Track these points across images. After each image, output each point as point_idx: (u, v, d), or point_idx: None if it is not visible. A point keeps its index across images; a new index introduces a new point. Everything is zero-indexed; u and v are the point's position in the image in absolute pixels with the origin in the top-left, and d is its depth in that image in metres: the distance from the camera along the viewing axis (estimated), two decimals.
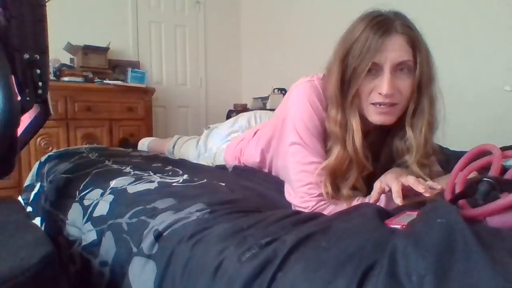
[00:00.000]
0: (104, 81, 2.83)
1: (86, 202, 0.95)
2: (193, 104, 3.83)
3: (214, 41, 3.91)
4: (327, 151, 0.87)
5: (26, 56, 0.84)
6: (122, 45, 3.27)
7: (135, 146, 2.12)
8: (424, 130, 0.84)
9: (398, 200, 0.70)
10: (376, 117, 0.82)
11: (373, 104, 0.81)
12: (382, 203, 0.79)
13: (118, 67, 3.09)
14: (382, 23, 0.77)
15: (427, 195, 0.68)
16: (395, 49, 0.77)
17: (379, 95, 0.79)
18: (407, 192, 0.73)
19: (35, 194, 1.30)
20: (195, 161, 1.46)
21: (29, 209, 1.29)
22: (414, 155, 0.84)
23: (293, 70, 3.25)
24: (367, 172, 0.86)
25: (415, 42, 0.79)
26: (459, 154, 0.82)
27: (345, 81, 0.81)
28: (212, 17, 3.88)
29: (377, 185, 0.79)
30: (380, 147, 0.92)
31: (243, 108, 3.51)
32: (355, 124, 0.82)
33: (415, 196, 0.74)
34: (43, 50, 0.88)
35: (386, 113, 0.81)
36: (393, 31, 0.77)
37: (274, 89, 3.39)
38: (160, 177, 1.02)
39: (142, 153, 1.63)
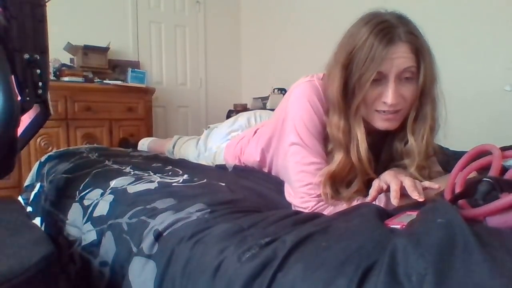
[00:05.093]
0: (104, 81, 2.83)
1: (86, 202, 0.96)
2: (193, 104, 3.83)
3: (214, 41, 3.91)
4: (327, 153, 0.87)
5: (26, 56, 0.84)
6: (122, 45, 3.27)
7: (135, 146, 2.12)
8: (426, 136, 0.84)
9: (395, 201, 0.70)
10: (380, 123, 0.82)
11: (377, 111, 0.81)
12: (382, 203, 0.79)
13: (118, 67, 3.09)
14: (387, 31, 0.76)
15: (421, 200, 0.68)
16: (399, 57, 0.76)
17: (384, 104, 0.79)
18: (404, 191, 0.73)
19: (35, 194, 1.30)
20: (195, 161, 1.46)
21: (29, 209, 1.29)
22: (416, 161, 0.84)
23: (293, 70, 3.25)
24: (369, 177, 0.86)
25: (419, 49, 0.78)
26: (459, 154, 0.82)
27: (348, 88, 0.81)
28: (212, 17, 3.88)
29: (375, 184, 0.79)
30: (381, 148, 0.92)
31: (243, 108, 3.51)
32: (360, 134, 0.82)
33: None
34: (43, 50, 0.88)
35: (390, 120, 0.82)
36: (397, 39, 0.76)
37: (274, 89, 3.39)
38: (160, 177, 1.02)
39: (142, 153, 1.63)
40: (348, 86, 0.81)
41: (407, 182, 0.72)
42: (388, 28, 0.76)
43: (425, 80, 0.80)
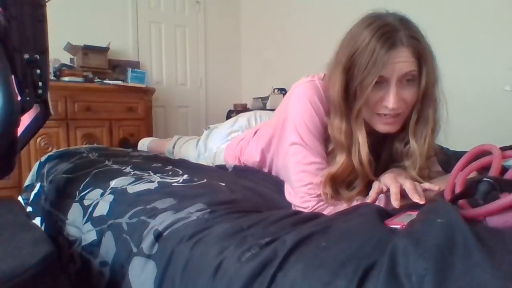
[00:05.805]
0: (104, 81, 2.83)
1: (86, 202, 0.96)
2: (193, 104, 3.83)
3: (214, 41, 3.91)
4: (328, 153, 0.87)
5: (26, 56, 0.84)
6: (122, 45, 3.27)
7: (135, 146, 2.12)
8: (428, 139, 0.84)
9: (395, 203, 0.70)
10: (381, 126, 0.82)
11: (378, 114, 0.81)
12: (382, 203, 0.79)
13: (118, 67, 3.09)
14: (389, 35, 0.75)
15: (422, 203, 0.68)
16: (401, 62, 0.76)
17: (385, 107, 0.79)
18: (405, 191, 0.73)
19: (35, 194, 1.30)
20: (195, 161, 1.46)
21: (29, 209, 1.29)
22: (417, 163, 0.84)
23: (293, 70, 3.25)
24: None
25: (421, 53, 0.78)
26: (459, 154, 0.82)
27: (350, 91, 0.81)
28: (212, 17, 3.88)
29: (375, 186, 0.79)
30: (380, 148, 0.92)
31: (243, 108, 3.51)
32: (361, 138, 0.82)
33: None
34: (43, 50, 0.88)
35: (391, 123, 0.82)
36: (399, 43, 0.75)
37: (274, 89, 3.39)
38: (160, 177, 1.02)
39: (142, 153, 1.63)
40: (349, 88, 0.81)
41: (407, 185, 0.72)
42: (390, 32, 0.76)
43: (427, 83, 0.79)
